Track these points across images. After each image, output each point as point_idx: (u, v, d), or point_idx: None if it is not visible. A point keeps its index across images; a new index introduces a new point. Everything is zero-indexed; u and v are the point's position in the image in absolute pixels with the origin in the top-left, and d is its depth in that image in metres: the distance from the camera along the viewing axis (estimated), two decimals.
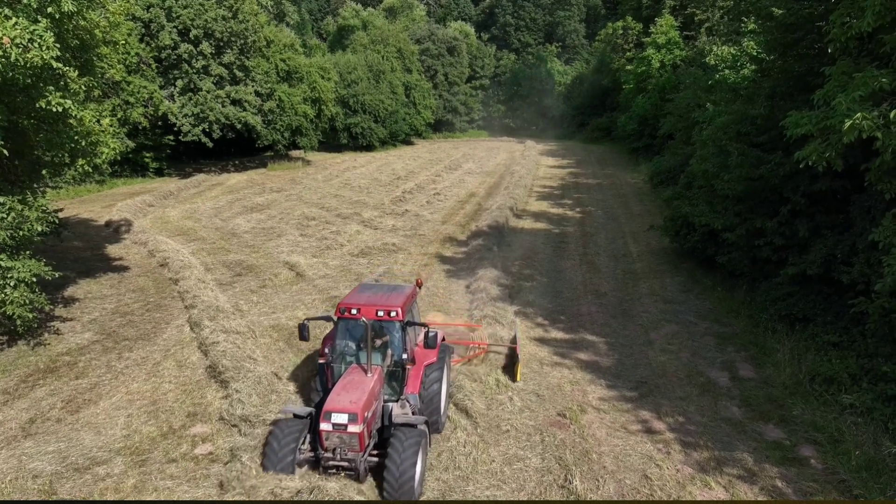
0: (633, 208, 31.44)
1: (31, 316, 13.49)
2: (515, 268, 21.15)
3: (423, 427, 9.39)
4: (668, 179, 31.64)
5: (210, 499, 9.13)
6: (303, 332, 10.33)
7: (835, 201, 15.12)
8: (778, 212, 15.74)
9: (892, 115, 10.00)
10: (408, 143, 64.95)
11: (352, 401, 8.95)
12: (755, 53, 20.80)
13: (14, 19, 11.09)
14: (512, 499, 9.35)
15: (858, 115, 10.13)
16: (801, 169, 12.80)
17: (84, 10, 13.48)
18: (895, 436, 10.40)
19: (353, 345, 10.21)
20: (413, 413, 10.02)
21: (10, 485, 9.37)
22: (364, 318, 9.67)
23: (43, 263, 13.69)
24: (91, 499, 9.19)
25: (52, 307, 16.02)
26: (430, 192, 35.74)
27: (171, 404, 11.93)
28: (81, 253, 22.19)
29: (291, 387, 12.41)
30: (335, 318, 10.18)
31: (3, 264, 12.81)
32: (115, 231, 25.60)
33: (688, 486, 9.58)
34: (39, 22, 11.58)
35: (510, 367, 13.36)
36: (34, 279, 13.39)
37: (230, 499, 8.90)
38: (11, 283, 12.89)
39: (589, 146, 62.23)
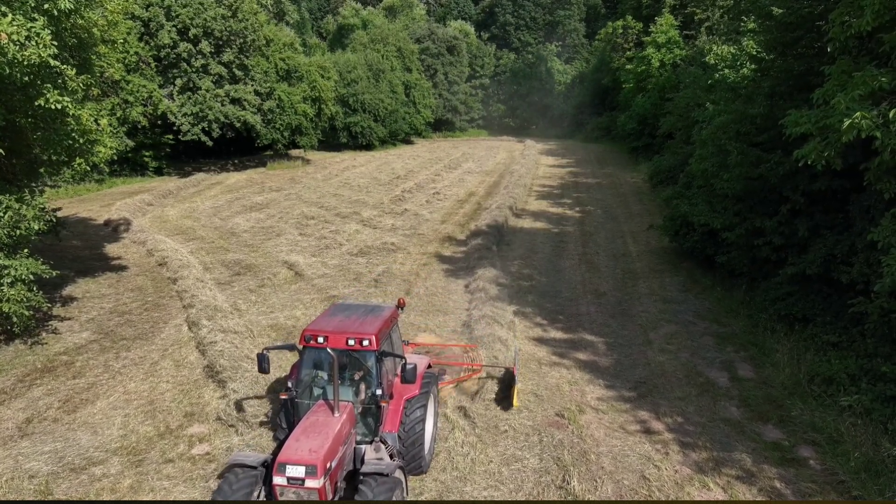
0: (633, 208, 31.40)
1: (28, 314, 13.48)
2: (515, 267, 21.11)
3: (396, 474, 8.06)
4: (667, 179, 31.58)
5: (207, 499, 9.11)
6: (262, 364, 8.92)
7: (834, 201, 15.08)
8: (777, 211, 15.70)
9: (891, 114, 9.96)
10: (407, 142, 64.88)
11: (311, 449, 7.66)
12: (755, 52, 20.75)
13: (11, 16, 11.06)
14: (510, 499, 9.32)
15: (858, 114, 10.09)
16: (800, 168, 12.77)
17: (82, 8, 13.45)
18: (894, 437, 10.36)
19: (322, 376, 8.94)
20: (391, 455, 8.85)
21: (7, 485, 9.35)
22: (329, 349, 8.36)
23: (41, 262, 13.68)
24: (87, 499, 9.16)
25: (49, 306, 15.99)
26: (430, 191, 35.70)
27: (168, 404, 11.90)
28: (80, 252, 22.17)
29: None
30: (300, 347, 8.91)
31: (0, 263, 12.78)
32: (113, 230, 25.57)
33: (686, 487, 9.56)
34: (37, 19, 11.55)
35: (505, 391, 12.27)
36: (32, 278, 13.37)
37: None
38: (8, 282, 12.87)
39: (588, 145, 62.17)
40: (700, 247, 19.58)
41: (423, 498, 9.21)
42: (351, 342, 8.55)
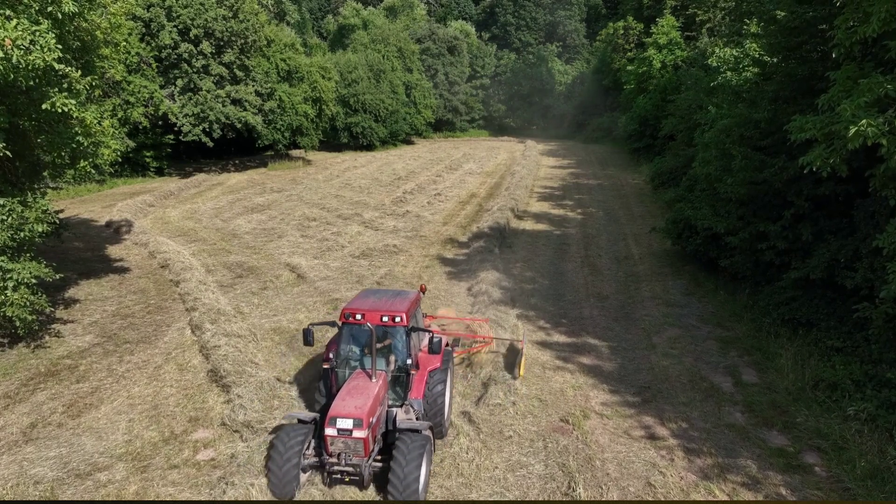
0: (635, 210, 31.39)
1: (31, 318, 13.46)
2: (517, 270, 21.11)
3: (427, 432, 9.36)
4: (669, 180, 31.58)
5: (210, 499, 9.10)
6: (307, 338, 10.20)
7: (838, 205, 15.08)
8: (781, 216, 15.68)
9: None
10: (408, 142, 64.89)
11: (357, 406, 9.01)
12: (758, 55, 20.75)
13: (15, 20, 11.04)
14: (510, 499, 9.32)
15: (864, 121, 10.07)
16: (804, 173, 12.76)
17: (86, 11, 13.43)
18: None
19: (357, 350, 10.23)
20: (417, 418, 10.05)
21: (12, 491, 9.34)
22: (369, 324, 9.71)
23: (43, 265, 13.65)
24: (86, 500, 9.16)
25: (52, 309, 15.98)
26: (431, 192, 35.69)
27: (172, 409, 11.88)
28: (82, 254, 22.14)
29: (294, 392, 12.38)
30: (339, 324, 10.17)
31: (3, 266, 12.77)
32: (115, 231, 25.54)
33: (692, 494, 9.55)
34: (41, 23, 11.53)
35: (511, 364, 13.44)
36: (35, 281, 13.35)
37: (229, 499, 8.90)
38: (11, 285, 12.85)
39: (589, 146, 62.17)
40: (703, 250, 19.57)
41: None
42: (385, 319, 9.82)
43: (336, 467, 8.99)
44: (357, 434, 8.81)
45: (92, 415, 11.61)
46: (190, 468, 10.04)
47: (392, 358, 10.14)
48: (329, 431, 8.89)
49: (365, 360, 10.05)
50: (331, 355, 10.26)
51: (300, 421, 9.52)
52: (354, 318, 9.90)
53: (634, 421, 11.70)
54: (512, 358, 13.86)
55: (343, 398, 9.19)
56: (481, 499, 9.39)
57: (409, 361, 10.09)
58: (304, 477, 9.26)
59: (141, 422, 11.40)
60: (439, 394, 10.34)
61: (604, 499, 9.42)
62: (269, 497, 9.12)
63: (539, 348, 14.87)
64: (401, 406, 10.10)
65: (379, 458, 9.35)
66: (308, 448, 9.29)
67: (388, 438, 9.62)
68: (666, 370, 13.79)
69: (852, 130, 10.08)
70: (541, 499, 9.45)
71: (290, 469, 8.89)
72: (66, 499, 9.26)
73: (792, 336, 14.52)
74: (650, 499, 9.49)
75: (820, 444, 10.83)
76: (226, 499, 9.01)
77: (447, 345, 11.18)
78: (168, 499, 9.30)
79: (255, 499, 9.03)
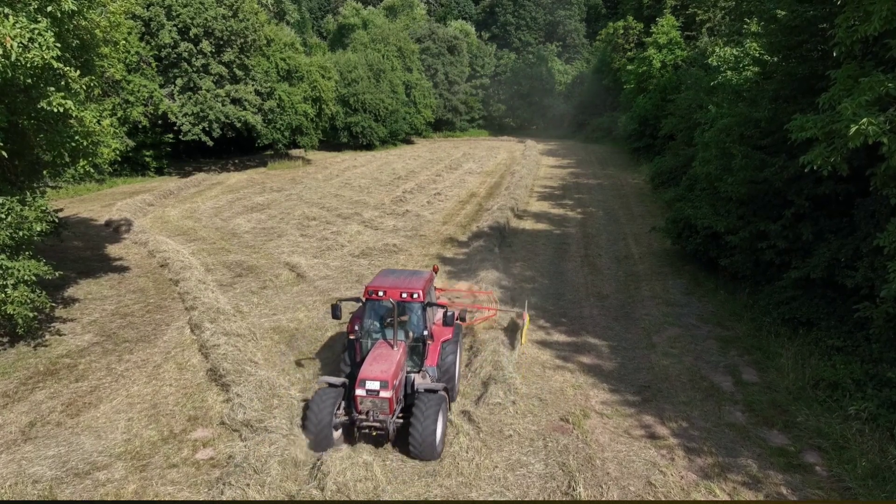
0: (635, 209, 31.37)
1: (31, 315, 13.45)
2: (517, 269, 21.08)
3: (442, 392, 10.60)
4: (669, 180, 31.55)
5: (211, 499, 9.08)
6: (335, 312, 11.27)
7: (839, 205, 15.06)
8: (781, 215, 15.67)
9: None
10: (408, 142, 64.84)
11: (382, 370, 10.21)
12: (758, 55, 20.72)
13: (14, 18, 11.01)
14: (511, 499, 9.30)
15: (864, 119, 10.06)
16: (805, 172, 12.75)
17: (85, 9, 13.40)
18: None
19: (378, 323, 11.37)
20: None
21: (11, 490, 9.31)
22: (391, 299, 10.83)
23: (43, 263, 13.64)
24: (85, 500, 9.14)
25: (53, 306, 15.95)
26: (431, 192, 35.66)
27: (171, 408, 11.86)
28: (81, 253, 22.12)
29: (293, 391, 12.34)
30: (363, 300, 11.30)
31: (3, 264, 12.74)
32: (114, 231, 25.51)
33: (692, 493, 9.53)
34: (40, 21, 11.50)
35: (513, 333, 15.02)
36: (34, 279, 13.33)
37: (229, 498, 8.87)
38: (11, 283, 12.83)
39: (589, 146, 62.13)
40: (703, 250, 19.55)
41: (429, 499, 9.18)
42: (404, 295, 10.96)
43: (365, 423, 10.14)
44: (383, 394, 10.00)
45: (91, 414, 11.59)
46: (189, 467, 10.02)
47: (408, 330, 11.20)
48: (359, 392, 10.05)
49: (385, 332, 11.19)
50: (356, 328, 11.31)
51: (330, 385, 10.68)
52: (377, 294, 11.03)
53: (634, 420, 11.68)
54: (513, 330, 15.19)
55: (370, 364, 10.35)
56: (481, 498, 9.37)
57: (425, 333, 11.24)
58: (336, 434, 10.30)
59: (140, 421, 11.38)
60: (451, 363, 11.64)
61: (604, 498, 9.39)
62: (267, 496, 9.10)
63: (539, 347, 14.85)
64: (418, 372, 11.28)
65: (401, 415, 10.52)
66: (339, 408, 10.42)
67: (408, 400, 10.81)
68: (666, 369, 13.77)
69: (853, 129, 10.07)
70: (541, 498, 9.43)
71: (325, 426, 10.06)
72: (64, 498, 9.23)
73: (792, 335, 14.50)
74: (651, 498, 9.46)
75: (821, 443, 10.81)
76: (224, 498, 8.98)
77: (457, 318, 12.16)
78: (167, 498, 9.27)
79: (253, 498, 9.01)
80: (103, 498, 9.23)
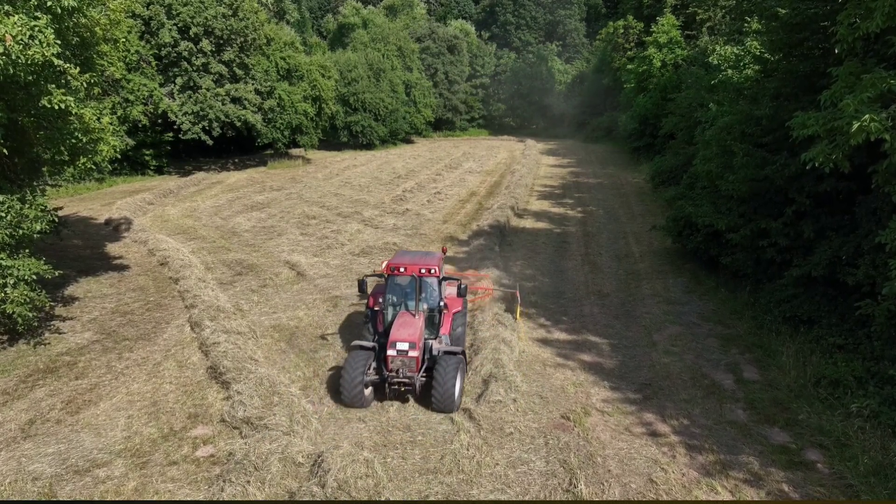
0: (635, 208, 31.34)
1: (31, 315, 13.41)
2: (517, 268, 21.05)
3: (460, 354, 11.87)
4: (669, 179, 31.52)
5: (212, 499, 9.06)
6: (361, 286, 12.83)
7: (840, 202, 15.04)
8: (783, 213, 15.64)
9: None
10: (408, 141, 64.81)
11: (409, 334, 11.69)
12: (759, 53, 20.70)
13: (15, 16, 10.98)
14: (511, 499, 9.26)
15: (866, 116, 10.04)
16: (806, 170, 12.71)
17: (85, 7, 13.38)
18: None
19: (397, 296, 12.73)
20: None
21: (10, 487, 9.28)
22: (414, 274, 12.34)
23: (42, 262, 13.60)
24: (88, 499, 9.10)
25: (52, 304, 15.92)
26: (431, 190, 35.63)
27: (171, 405, 11.83)
28: (81, 251, 22.09)
29: (294, 388, 12.31)
30: (385, 275, 12.83)
31: (2, 263, 12.71)
32: (114, 229, 25.48)
33: (694, 491, 9.50)
34: (40, 18, 11.47)
35: (511, 308, 16.25)
36: (34, 278, 13.30)
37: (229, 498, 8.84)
38: (11, 282, 12.80)
39: (589, 145, 62.10)
40: (704, 248, 19.51)
41: (431, 499, 9.15)
42: (423, 271, 12.37)
43: (395, 380, 11.48)
44: (412, 354, 11.48)
45: (91, 411, 11.56)
46: (189, 465, 9.99)
47: (426, 304, 12.56)
48: (390, 352, 11.49)
49: (405, 303, 12.61)
50: (379, 300, 12.70)
51: (362, 347, 11.94)
52: (399, 270, 12.43)
53: (636, 418, 11.66)
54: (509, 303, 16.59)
55: (398, 329, 11.82)
56: (482, 495, 9.34)
57: (441, 304, 12.68)
58: (367, 391, 11.56)
59: (140, 418, 11.35)
60: (461, 333, 13.28)
61: (605, 495, 9.37)
62: (268, 494, 9.07)
63: (540, 345, 14.83)
64: (435, 339, 12.56)
65: (424, 375, 11.76)
66: (370, 368, 11.65)
67: (428, 363, 11.99)
68: (667, 367, 13.74)
69: (855, 126, 10.05)
70: (542, 495, 9.40)
71: (358, 384, 11.31)
72: (64, 496, 9.20)
73: (793, 333, 14.47)
74: (652, 495, 9.44)
75: (822, 441, 10.78)
76: (224, 497, 8.95)
77: (468, 289, 13.80)
78: (167, 495, 9.25)
79: (254, 495, 8.98)
80: (103, 495, 9.21)
